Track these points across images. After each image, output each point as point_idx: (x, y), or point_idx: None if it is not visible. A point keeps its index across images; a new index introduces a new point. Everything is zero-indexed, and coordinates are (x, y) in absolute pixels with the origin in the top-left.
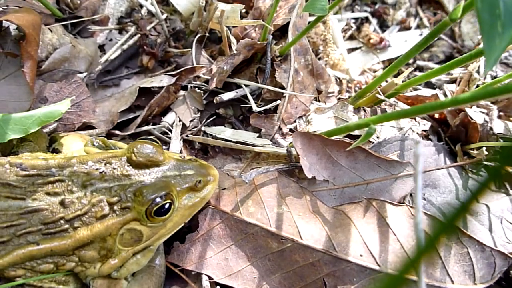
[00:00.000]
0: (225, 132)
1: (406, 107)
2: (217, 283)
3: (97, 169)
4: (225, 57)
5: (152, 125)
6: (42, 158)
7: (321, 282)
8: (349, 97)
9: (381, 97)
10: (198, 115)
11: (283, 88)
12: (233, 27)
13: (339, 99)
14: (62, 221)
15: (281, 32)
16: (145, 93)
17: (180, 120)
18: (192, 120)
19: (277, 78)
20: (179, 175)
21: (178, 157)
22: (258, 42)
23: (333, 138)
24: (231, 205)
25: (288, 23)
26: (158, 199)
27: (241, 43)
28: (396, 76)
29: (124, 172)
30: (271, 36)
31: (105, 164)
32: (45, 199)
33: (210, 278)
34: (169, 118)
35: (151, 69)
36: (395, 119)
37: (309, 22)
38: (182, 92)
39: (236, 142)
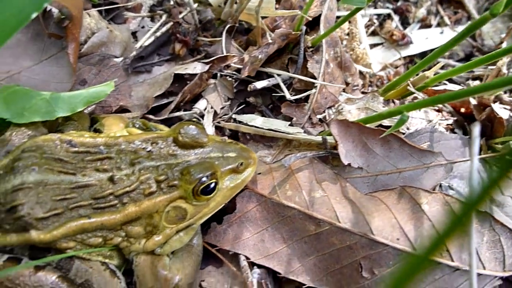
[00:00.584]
0: (256, 120)
1: None
2: (253, 263)
3: (144, 148)
4: (260, 46)
5: (184, 111)
6: (88, 136)
7: (357, 265)
8: (372, 91)
9: (412, 89)
10: (229, 103)
11: (314, 78)
12: (263, 17)
13: (363, 93)
14: (111, 197)
15: (310, 24)
16: (177, 80)
17: (212, 107)
18: (222, 108)
19: (309, 68)
20: (222, 156)
21: (219, 139)
22: (293, 32)
23: (368, 126)
24: (268, 188)
25: (319, 15)
26: (204, 179)
27: (276, 33)
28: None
29: (170, 152)
30: (304, 27)
31: (152, 144)
32: (95, 175)
33: (247, 258)
34: (200, 105)
35: (182, 57)
36: (429, 106)
37: (338, 17)
38: (212, 80)
39: (268, 130)
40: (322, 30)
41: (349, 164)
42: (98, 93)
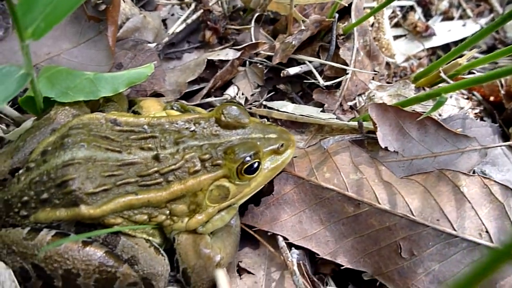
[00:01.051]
0: (288, 106)
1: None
2: (291, 245)
3: (187, 128)
4: (291, 34)
5: (214, 97)
6: (130, 116)
7: (396, 246)
8: (403, 78)
9: (444, 76)
10: (259, 90)
11: (346, 65)
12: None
13: (388, 83)
14: (156, 175)
15: (339, 13)
16: (208, 66)
17: (242, 94)
18: (252, 95)
19: (341, 55)
20: (264, 137)
21: (259, 121)
22: (326, 19)
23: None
24: (305, 171)
25: (350, 4)
26: (248, 158)
27: (311, 19)
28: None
29: (213, 132)
30: (337, 14)
31: (195, 124)
32: (139, 154)
33: (285, 239)
34: (231, 91)
35: (211, 44)
36: (467, 87)
37: (364, 8)
38: (241, 68)
39: (301, 116)
40: (353, 18)
41: (386, 148)
42: (139, 74)
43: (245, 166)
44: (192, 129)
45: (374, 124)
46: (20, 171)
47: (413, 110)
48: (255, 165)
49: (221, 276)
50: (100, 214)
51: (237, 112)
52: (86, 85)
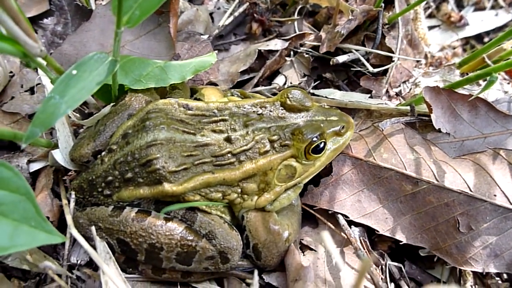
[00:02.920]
0: (336, 94)
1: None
2: (351, 222)
3: (254, 111)
4: (337, 24)
5: (262, 86)
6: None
7: (454, 221)
8: (448, 64)
9: (488, 62)
10: (305, 79)
11: (391, 53)
12: None
13: (425, 72)
14: (229, 155)
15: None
16: (256, 57)
17: (291, 83)
18: (300, 83)
19: (387, 44)
20: (326, 120)
21: (320, 105)
22: (374, 9)
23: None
24: (362, 152)
25: None
26: (315, 138)
27: (360, 9)
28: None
29: (279, 115)
30: (383, 4)
31: (261, 108)
32: (212, 136)
33: (345, 217)
34: (279, 80)
35: (257, 36)
36: None
37: None
38: (287, 58)
39: (350, 102)
40: (397, 8)
41: (439, 130)
42: (204, 62)
43: (313, 146)
44: (259, 112)
45: (429, 106)
46: (103, 153)
47: None
48: (321, 145)
49: (327, 237)
50: (181, 191)
51: (301, 95)
52: (157, 72)
